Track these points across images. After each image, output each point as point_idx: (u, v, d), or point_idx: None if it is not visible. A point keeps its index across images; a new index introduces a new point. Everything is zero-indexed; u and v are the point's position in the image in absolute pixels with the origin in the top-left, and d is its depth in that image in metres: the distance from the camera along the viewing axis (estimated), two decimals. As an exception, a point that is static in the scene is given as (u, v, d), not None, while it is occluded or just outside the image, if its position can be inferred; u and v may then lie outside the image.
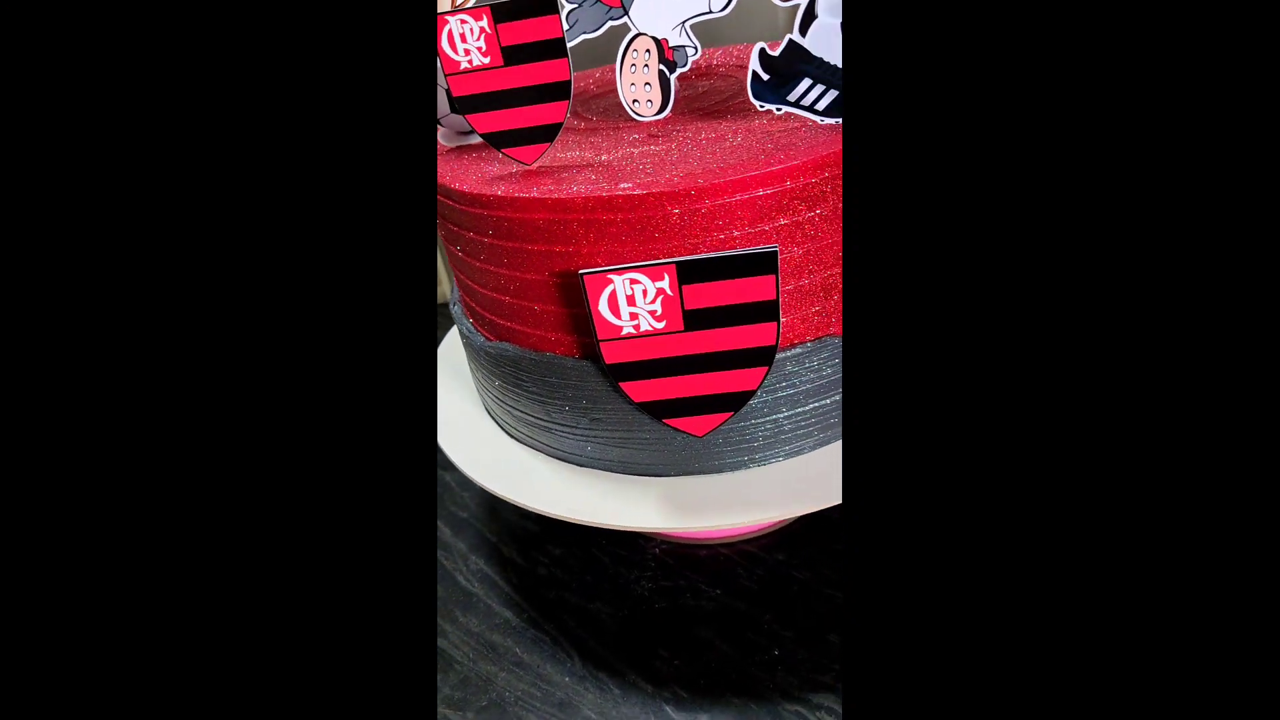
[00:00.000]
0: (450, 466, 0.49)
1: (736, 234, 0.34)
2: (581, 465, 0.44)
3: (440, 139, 0.46)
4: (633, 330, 0.36)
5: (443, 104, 0.45)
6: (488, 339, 0.44)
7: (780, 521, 0.53)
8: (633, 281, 0.35)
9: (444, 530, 0.59)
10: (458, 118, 0.44)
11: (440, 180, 0.41)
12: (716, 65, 0.54)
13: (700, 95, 0.46)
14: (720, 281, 0.35)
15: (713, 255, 0.34)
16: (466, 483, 0.61)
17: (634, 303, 0.35)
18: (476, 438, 0.48)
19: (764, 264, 0.34)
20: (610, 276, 0.34)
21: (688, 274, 0.34)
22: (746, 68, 0.38)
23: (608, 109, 0.44)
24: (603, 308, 0.35)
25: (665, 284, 0.35)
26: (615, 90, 0.42)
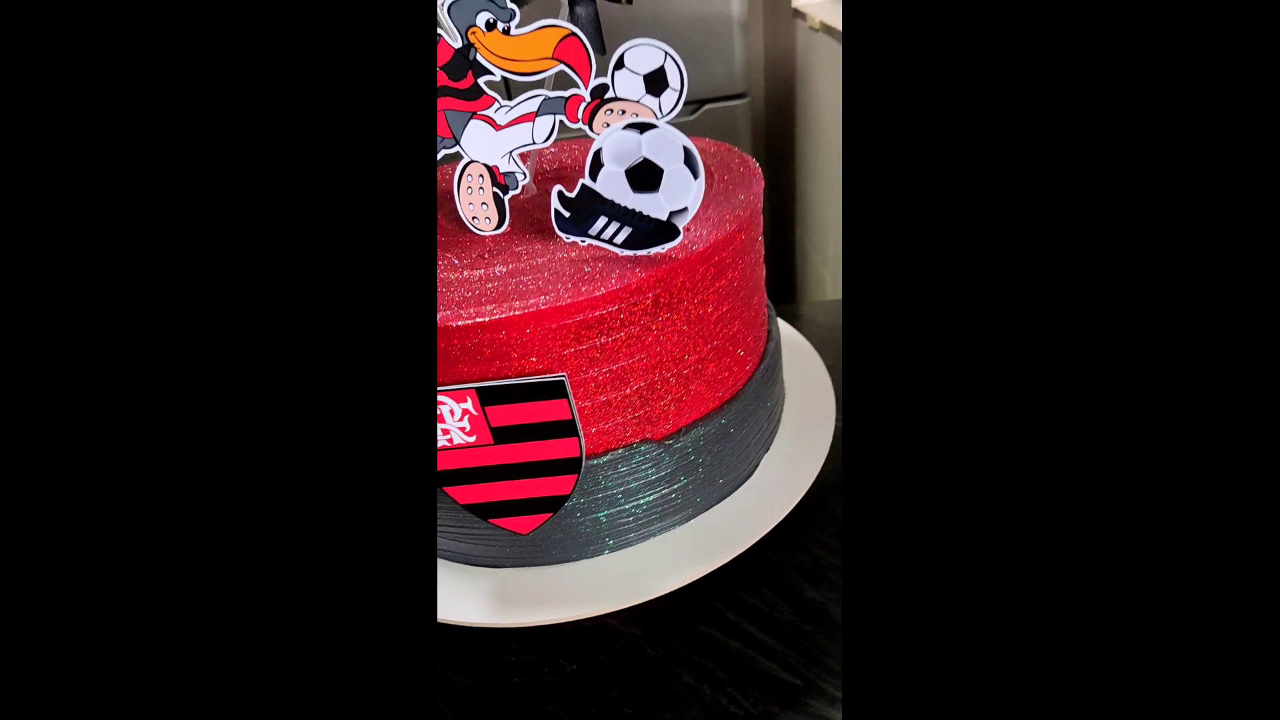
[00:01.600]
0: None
1: (535, 359, 0.37)
2: (428, 553, 0.47)
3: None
4: (447, 443, 0.39)
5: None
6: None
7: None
8: (439, 403, 0.38)
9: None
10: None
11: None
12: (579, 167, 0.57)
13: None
14: (519, 404, 0.38)
15: (507, 382, 0.37)
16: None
17: (444, 420, 0.38)
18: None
19: (554, 390, 0.37)
20: (417, 398, 0.37)
21: (488, 397, 0.37)
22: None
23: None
24: (415, 424, 0.38)
25: (469, 405, 0.38)
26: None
